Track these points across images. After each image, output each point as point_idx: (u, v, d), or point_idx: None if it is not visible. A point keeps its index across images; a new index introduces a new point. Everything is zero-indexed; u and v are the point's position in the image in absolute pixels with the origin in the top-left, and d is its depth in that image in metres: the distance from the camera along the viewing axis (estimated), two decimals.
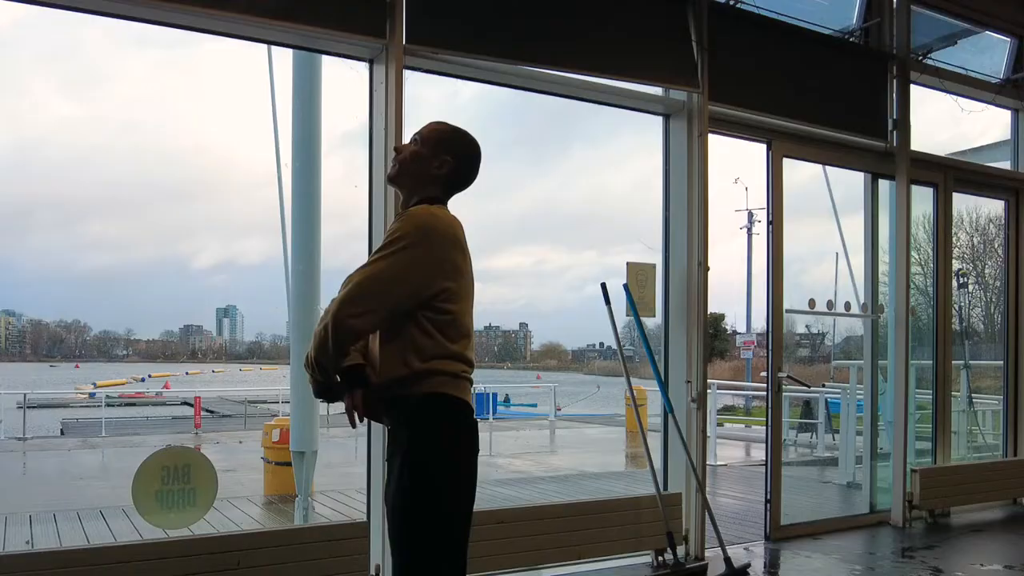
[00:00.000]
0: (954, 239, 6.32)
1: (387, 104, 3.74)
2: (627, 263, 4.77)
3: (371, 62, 3.90)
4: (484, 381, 18.13)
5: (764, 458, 5.44)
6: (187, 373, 53.18)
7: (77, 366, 67.65)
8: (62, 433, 16.36)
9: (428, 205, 2.20)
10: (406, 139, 2.42)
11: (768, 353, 5.40)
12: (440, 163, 2.26)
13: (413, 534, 2.07)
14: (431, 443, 2.09)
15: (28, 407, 14.39)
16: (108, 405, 17.93)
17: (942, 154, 6.29)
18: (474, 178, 2.36)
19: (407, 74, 3.83)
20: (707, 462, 5.07)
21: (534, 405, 21.90)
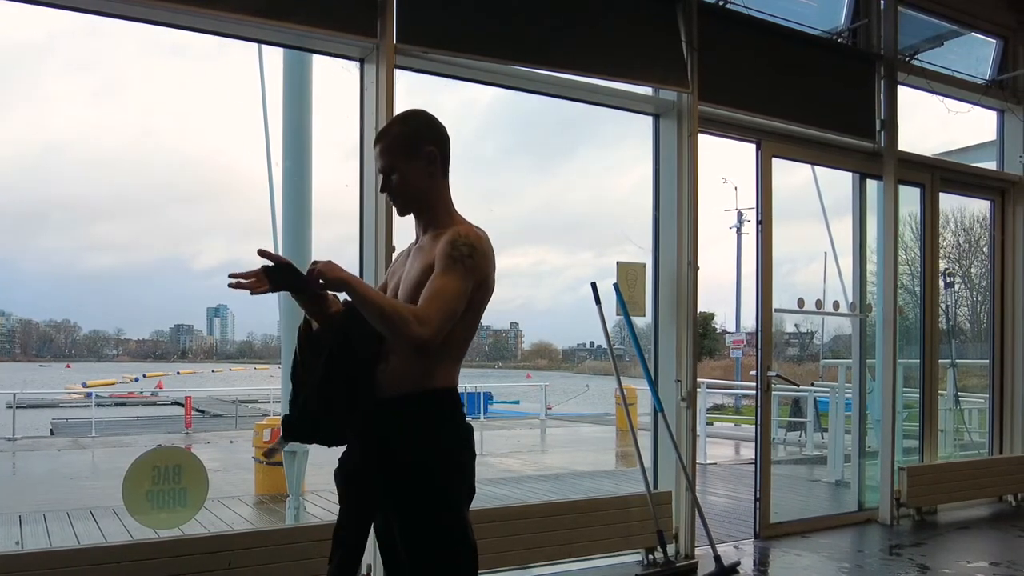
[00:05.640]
0: (940, 239, 6.37)
1: (378, 104, 3.75)
2: (617, 262, 4.79)
3: (362, 62, 3.91)
4: (475, 380, 18.15)
5: (753, 457, 5.46)
6: (178, 373, 52.90)
7: (68, 366, 67.21)
8: (52, 433, 16.28)
9: (469, 225, 2.13)
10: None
11: (757, 352, 5.43)
12: (427, 161, 2.13)
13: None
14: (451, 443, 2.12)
15: (18, 407, 14.30)
16: (98, 405, 17.84)
17: (929, 155, 6.35)
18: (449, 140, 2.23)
19: (399, 73, 3.85)
20: (697, 461, 5.11)
21: (516, 402, 21.93)
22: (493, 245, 2.12)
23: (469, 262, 2.00)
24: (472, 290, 2.02)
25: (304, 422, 2.12)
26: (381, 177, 2.18)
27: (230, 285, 1.97)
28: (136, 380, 41.40)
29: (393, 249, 3.67)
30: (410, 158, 2.12)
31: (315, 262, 1.96)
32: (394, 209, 2.22)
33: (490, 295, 2.12)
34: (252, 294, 1.97)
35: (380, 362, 2.07)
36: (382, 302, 1.96)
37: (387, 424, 2.06)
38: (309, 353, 2.12)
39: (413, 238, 2.26)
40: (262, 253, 1.94)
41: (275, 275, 1.96)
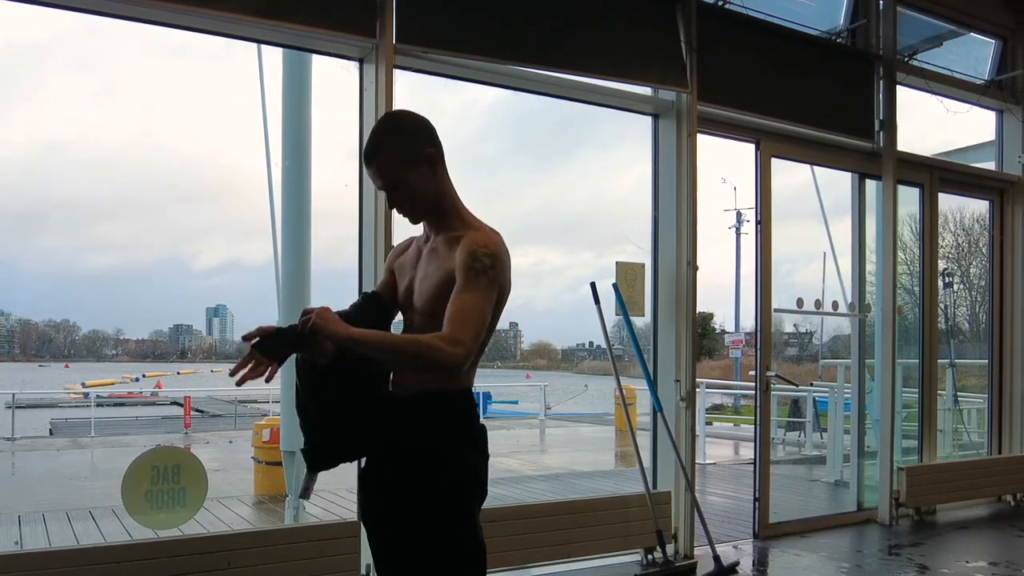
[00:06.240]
0: (939, 239, 6.38)
1: (377, 104, 3.75)
2: (616, 263, 4.79)
3: (361, 62, 3.91)
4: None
5: (753, 456, 5.47)
6: (178, 373, 52.90)
7: (67, 366, 67.18)
8: (51, 433, 16.27)
9: (484, 229, 2.06)
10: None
11: (757, 352, 5.44)
12: (429, 163, 2.03)
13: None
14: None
15: (17, 407, 14.30)
16: (98, 405, 17.83)
17: (928, 155, 6.35)
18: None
19: (401, 74, 3.85)
20: (696, 461, 5.11)
21: (515, 402, 21.91)
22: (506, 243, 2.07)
23: (492, 273, 1.95)
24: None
25: (318, 445, 2.06)
26: (385, 195, 2.09)
27: (238, 384, 1.90)
28: (137, 380, 41.39)
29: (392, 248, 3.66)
30: (412, 167, 2.02)
31: (306, 312, 1.85)
32: (395, 212, 2.14)
33: (507, 298, 2.08)
34: (267, 381, 1.89)
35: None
36: (401, 343, 1.91)
37: (397, 423, 2.03)
38: (308, 382, 2.05)
39: (417, 233, 2.19)
40: (245, 338, 1.86)
41: (268, 348, 1.84)
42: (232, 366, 1.89)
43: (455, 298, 1.93)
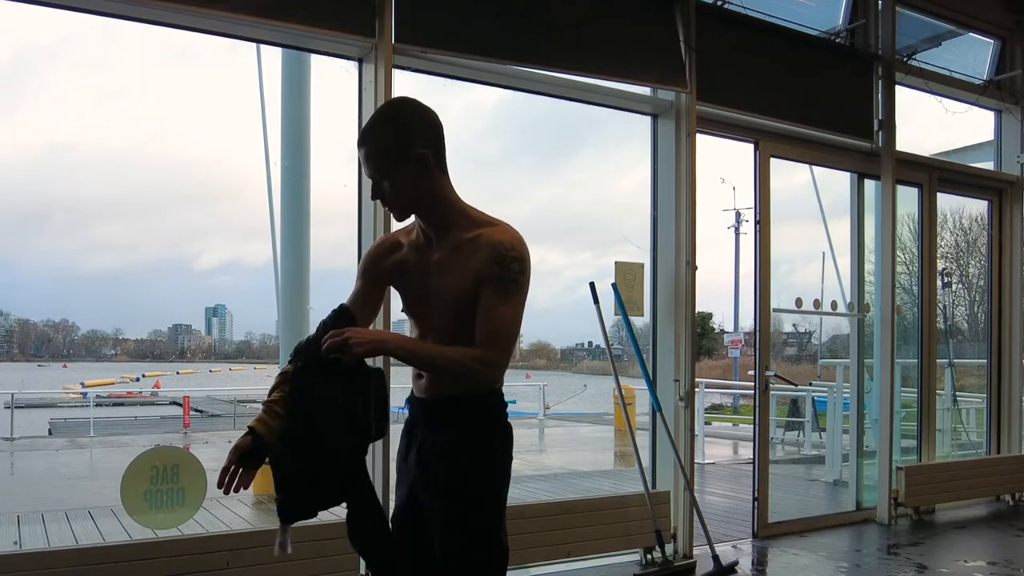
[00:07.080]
0: (938, 239, 6.38)
1: (376, 104, 3.74)
2: (615, 262, 4.79)
3: (360, 61, 3.91)
4: None
5: (752, 456, 5.48)
6: (177, 373, 52.88)
7: (65, 366, 67.10)
8: (50, 433, 16.27)
9: (499, 225, 1.98)
10: None
11: (756, 352, 5.44)
12: (421, 165, 1.92)
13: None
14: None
15: (16, 407, 14.30)
16: (97, 405, 17.82)
17: (927, 155, 6.36)
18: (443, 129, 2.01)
19: (404, 75, 3.86)
20: (695, 460, 5.11)
21: (513, 402, 21.84)
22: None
23: (522, 278, 1.92)
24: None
25: (299, 494, 2.06)
26: (371, 183, 1.98)
27: (225, 492, 2.04)
28: (137, 380, 41.36)
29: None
30: (401, 165, 1.91)
31: (335, 334, 1.82)
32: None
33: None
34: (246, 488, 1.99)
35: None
36: (450, 363, 1.90)
37: (429, 425, 2.02)
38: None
39: (396, 227, 2.12)
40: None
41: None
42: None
43: (489, 309, 1.90)
